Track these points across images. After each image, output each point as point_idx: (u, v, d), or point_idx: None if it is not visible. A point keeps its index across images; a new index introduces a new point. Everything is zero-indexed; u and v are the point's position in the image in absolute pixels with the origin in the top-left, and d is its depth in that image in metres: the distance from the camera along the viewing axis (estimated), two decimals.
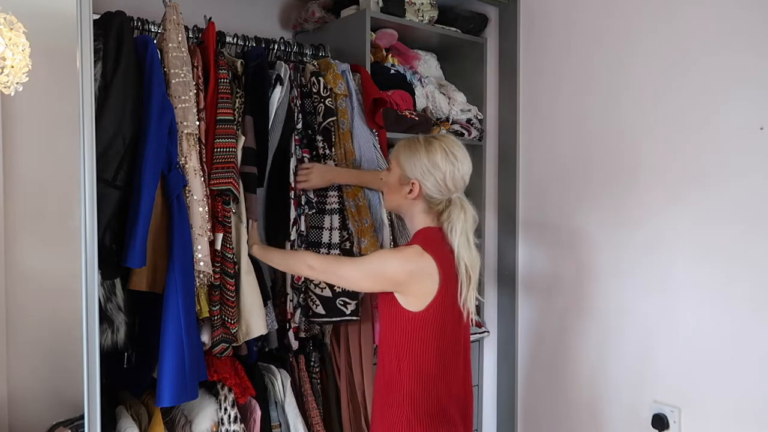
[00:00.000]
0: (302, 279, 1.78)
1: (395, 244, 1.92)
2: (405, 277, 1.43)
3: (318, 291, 1.78)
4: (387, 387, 1.50)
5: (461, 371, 1.54)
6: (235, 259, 1.63)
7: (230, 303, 1.59)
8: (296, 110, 1.83)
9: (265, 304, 1.69)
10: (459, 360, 1.53)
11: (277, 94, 1.75)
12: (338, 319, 1.79)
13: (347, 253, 1.82)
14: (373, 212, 1.89)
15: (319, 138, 1.84)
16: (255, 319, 1.63)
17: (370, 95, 1.91)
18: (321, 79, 1.84)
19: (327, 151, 1.84)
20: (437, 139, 1.52)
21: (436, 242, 1.48)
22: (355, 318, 1.79)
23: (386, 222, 1.90)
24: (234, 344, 1.65)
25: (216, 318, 1.58)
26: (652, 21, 1.87)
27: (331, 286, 1.77)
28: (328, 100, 1.83)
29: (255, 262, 1.70)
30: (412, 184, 1.49)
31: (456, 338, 1.51)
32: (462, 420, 1.54)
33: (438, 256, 1.44)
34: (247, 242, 1.69)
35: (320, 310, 1.78)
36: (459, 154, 1.50)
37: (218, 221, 1.60)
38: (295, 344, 1.82)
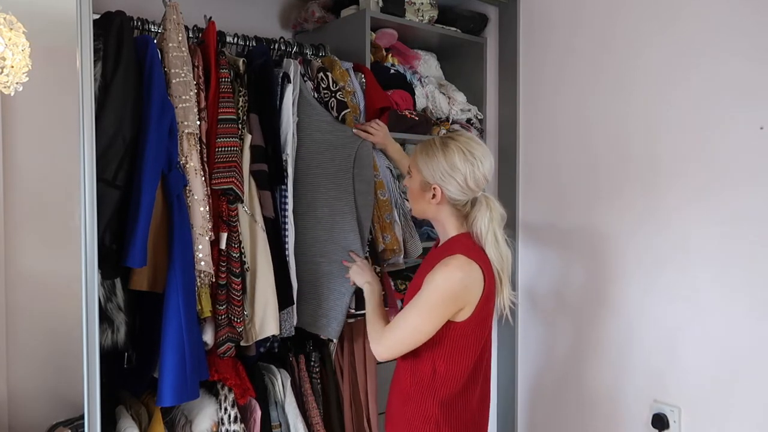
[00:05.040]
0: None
1: (403, 241, 1.92)
2: (461, 288, 1.37)
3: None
4: (415, 388, 1.46)
5: (483, 372, 1.52)
6: (244, 259, 1.63)
7: (236, 302, 1.59)
8: (321, 102, 1.83)
9: (282, 308, 1.68)
10: (483, 362, 1.51)
11: (289, 93, 1.75)
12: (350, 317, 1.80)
13: (370, 245, 1.81)
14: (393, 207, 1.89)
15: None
16: (269, 318, 1.64)
17: (375, 102, 1.91)
18: (329, 74, 1.84)
19: None
20: (453, 139, 1.46)
21: (473, 248, 1.43)
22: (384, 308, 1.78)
23: (397, 220, 1.90)
24: (244, 344, 1.65)
25: (222, 317, 1.58)
26: (653, 22, 1.86)
27: None
28: (338, 93, 1.83)
29: (282, 265, 1.70)
30: (434, 189, 1.44)
31: (487, 342, 1.50)
32: (486, 420, 1.54)
33: (481, 263, 1.41)
34: (355, 278, 1.68)
35: (353, 303, 1.79)
36: (477, 152, 1.43)
37: (223, 221, 1.59)
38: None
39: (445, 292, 1.37)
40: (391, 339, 1.44)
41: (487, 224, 1.43)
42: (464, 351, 1.42)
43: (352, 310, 1.79)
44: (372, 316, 1.54)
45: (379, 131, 1.82)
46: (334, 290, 1.77)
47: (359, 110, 1.90)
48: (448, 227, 1.49)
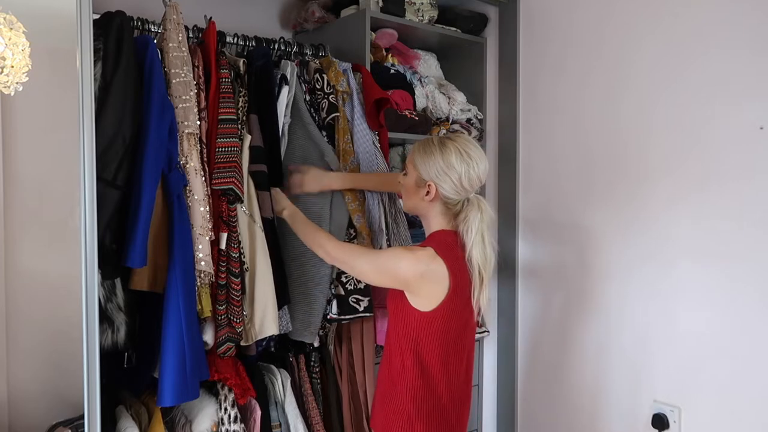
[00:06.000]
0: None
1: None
2: (414, 278, 1.43)
3: (332, 289, 1.80)
4: (390, 382, 1.51)
5: (463, 373, 1.55)
6: (243, 259, 1.63)
7: (236, 302, 1.59)
8: (314, 104, 1.85)
9: (280, 307, 1.69)
10: (462, 362, 1.53)
11: (284, 95, 1.75)
12: (352, 316, 1.80)
13: None
14: (371, 218, 1.89)
15: (323, 134, 1.85)
16: (269, 318, 1.64)
17: (371, 95, 1.91)
18: (324, 75, 1.85)
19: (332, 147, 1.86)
20: (451, 139, 1.50)
21: (449, 246, 1.48)
22: (368, 314, 1.80)
23: (384, 229, 1.90)
24: (243, 344, 1.65)
25: (222, 317, 1.59)
26: (651, 20, 1.87)
27: (344, 284, 1.79)
28: (331, 96, 1.84)
29: (279, 265, 1.70)
30: (429, 186, 1.48)
31: (461, 340, 1.52)
32: (460, 420, 1.56)
33: (450, 261, 1.44)
34: (273, 207, 1.70)
35: (335, 308, 1.79)
36: (474, 153, 1.48)
37: (223, 221, 1.59)
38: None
39: (396, 271, 1.45)
40: (341, 253, 1.57)
41: (478, 225, 1.47)
42: (429, 343, 1.46)
43: (333, 315, 1.79)
44: (309, 229, 1.65)
45: (302, 178, 1.77)
46: (307, 294, 1.78)
47: (348, 113, 1.90)
48: (433, 224, 1.54)
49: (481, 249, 1.47)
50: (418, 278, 1.43)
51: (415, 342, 1.46)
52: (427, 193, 1.49)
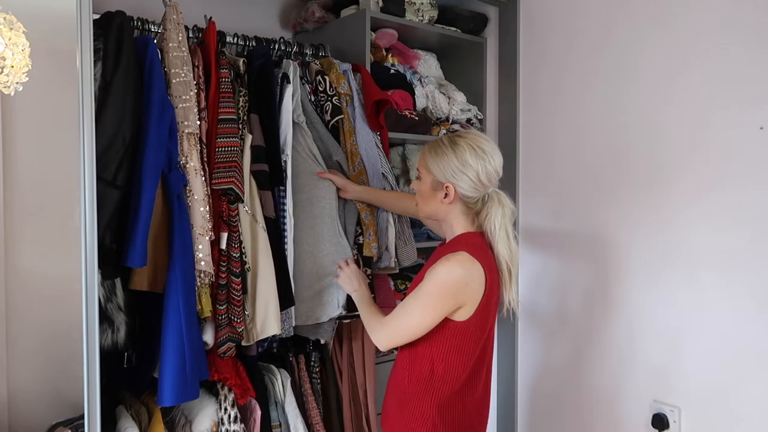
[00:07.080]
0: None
1: (395, 247, 1.92)
2: (458, 285, 1.38)
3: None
4: (412, 387, 1.46)
5: (484, 376, 1.52)
6: (245, 259, 1.63)
7: (236, 302, 1.59)
8: (318, 106, 1.85)
9: (282, 308, 1.68)
10: (484, 366, 1.51)
11: (289, 94, 1.75)
12: (354, 313, 1.80)
13: (362, 248, 1.83)
14: (378, 216, 1.89)
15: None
16: (270, 318, 1.64)
17: (371, 96, 1.91)
18: (326, 77, 1.85)
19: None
20: (461, 136, 1.46)
21: (480, 247, 1.44)
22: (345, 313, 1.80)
23: (392, 222, 1.90)
24: (245, 343, 1.65)
25: (222, 317, 1.59)
26: (651, 21, 1.87)
27: None
28: (335, 98, 1.84)
29: (282, 265, 1.70)
30: (446, 187, 1.44)
31: (487, 346, 1.50)
32: (483, 425, 1.54)
33: (485, 263, 1.41)
34: (341, 280, 1.72)
35: (343, 306, 1.80)
36: (487, 147, 1.44)
37: (224, 221, 1.59)
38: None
39: (445, 286, 1.38)
40: (390, 327, 1.48)
41: (500, 220, 1.43)
42: (463, 352, 1.42)
43: (344, 311, 1.80)
44: (367, 314, 1.59)
45: (348, 186, 1.81)
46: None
47: (351, 115, 1.90)
48: (455, 226, 1.49)
49: (506, 243, 1.44)
50: (463, 285, 1.38)
51: (449, 351, 1.41)
52: (446, 195, 1.45)
